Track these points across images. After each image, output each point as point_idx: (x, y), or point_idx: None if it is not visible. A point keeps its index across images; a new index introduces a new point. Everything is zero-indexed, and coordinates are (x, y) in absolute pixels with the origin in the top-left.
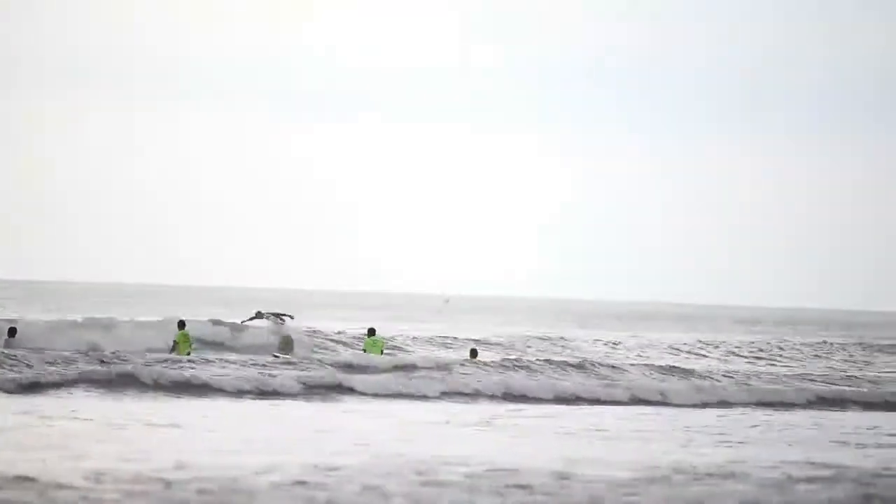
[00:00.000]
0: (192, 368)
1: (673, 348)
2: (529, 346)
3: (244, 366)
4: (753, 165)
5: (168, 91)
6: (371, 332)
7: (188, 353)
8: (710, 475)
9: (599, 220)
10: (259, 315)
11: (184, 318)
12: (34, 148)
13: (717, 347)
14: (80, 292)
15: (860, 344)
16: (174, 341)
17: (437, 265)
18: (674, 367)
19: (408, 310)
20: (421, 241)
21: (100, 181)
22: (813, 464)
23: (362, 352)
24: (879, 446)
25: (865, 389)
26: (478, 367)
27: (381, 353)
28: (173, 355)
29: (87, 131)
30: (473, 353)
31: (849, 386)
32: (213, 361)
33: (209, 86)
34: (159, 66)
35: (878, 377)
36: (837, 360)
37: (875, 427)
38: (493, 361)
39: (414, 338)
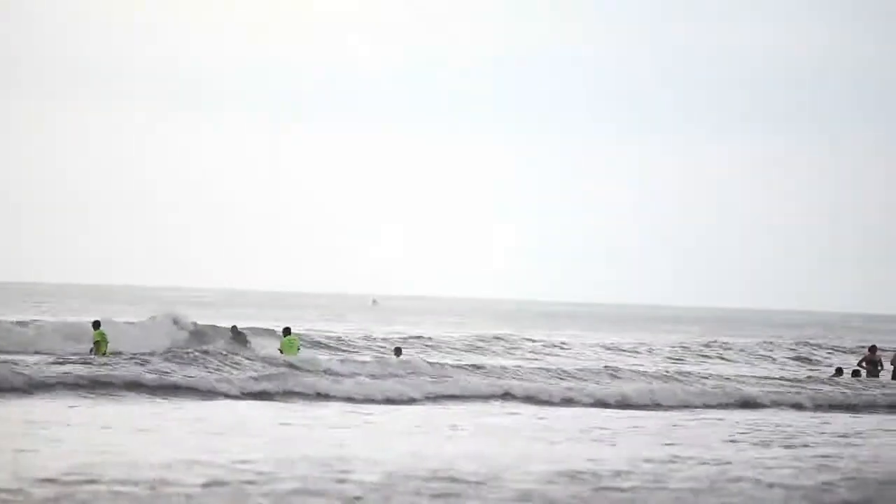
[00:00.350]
0: (113, 368)
1: (615, 347)
2: (455, 346)
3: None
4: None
5: (167, 94)
6: (286, 331)
7: (104, 353)
8: (627, 474)
9: (567, 221)
10: (234, 330)
11: (98, 319)
12: (34, 150)
13: (649, 348)
14: (79, 294)
15: (806, 343)
16: (94, 342)
17: (441, 268)
18: (608, 366)
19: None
20: (419, 244)
21: (96, 184)
22: (731, 463)
23: (278, 352)
24: (806, 446)
25: (795, 391)
26: (402, 368)
27: (297, 352)
28: (92, 356)
29: (87, 133)
30: (398, 352)
31: (772, 385)
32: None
33: (200, 90)
34: (159, 68)
35: (811, 376)
36: (773, 360)
37: (789, 426)
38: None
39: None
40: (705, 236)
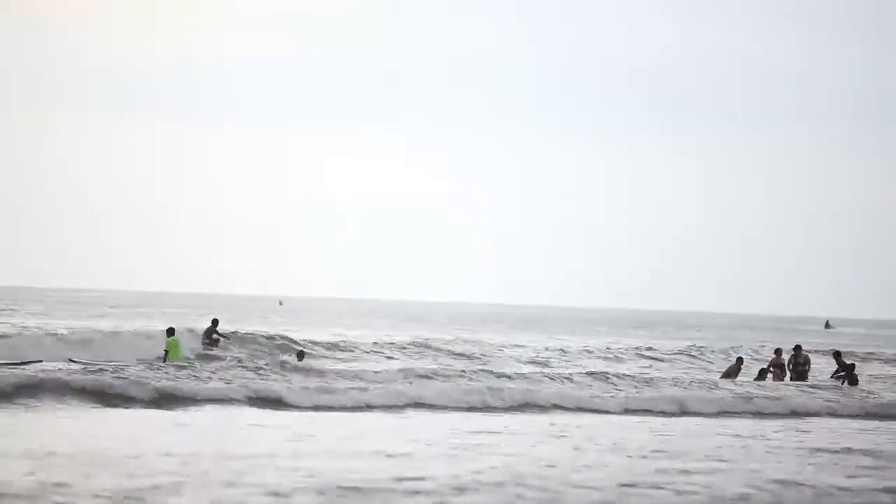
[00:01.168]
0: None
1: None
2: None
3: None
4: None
5: (168, 97)
6: (170, 331)
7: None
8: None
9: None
10: (214, 322)
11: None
12: (33, 152)
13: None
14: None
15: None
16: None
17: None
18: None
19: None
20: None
21: (94, 185)
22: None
23: (164, 352)
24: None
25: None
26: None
27: (181, 353)
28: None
29: (86, 138)
30: (300, 355)
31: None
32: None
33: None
34: (158, 72)
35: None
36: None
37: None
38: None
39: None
40: (703, 237)
